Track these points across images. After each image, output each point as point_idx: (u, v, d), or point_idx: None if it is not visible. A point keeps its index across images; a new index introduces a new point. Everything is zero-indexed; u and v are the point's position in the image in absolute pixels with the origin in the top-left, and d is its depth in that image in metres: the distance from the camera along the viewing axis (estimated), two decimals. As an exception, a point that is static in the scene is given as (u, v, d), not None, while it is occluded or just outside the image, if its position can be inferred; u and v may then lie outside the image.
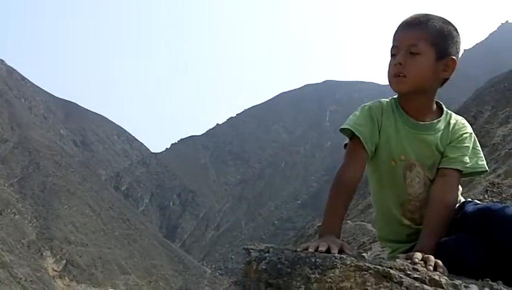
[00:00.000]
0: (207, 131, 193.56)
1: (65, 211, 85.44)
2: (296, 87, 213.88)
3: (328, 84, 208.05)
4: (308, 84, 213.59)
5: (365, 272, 2.15)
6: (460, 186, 2.96)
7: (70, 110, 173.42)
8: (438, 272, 2.31)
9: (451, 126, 2.95)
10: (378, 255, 12.68)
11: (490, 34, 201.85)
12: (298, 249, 2.42)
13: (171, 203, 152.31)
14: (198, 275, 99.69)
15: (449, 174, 2.87)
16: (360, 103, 3.09)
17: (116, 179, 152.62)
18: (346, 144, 2.98)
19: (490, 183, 11.84)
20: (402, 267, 2.25)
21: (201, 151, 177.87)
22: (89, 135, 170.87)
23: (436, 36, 2.85)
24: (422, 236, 2.73)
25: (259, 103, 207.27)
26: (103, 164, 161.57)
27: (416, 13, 2.98)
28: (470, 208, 2.75)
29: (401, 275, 2.17)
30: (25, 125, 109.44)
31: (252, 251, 2.38)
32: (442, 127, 2.93)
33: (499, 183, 11.34)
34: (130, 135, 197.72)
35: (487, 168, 2.99)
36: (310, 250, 2.40)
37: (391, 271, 2.17)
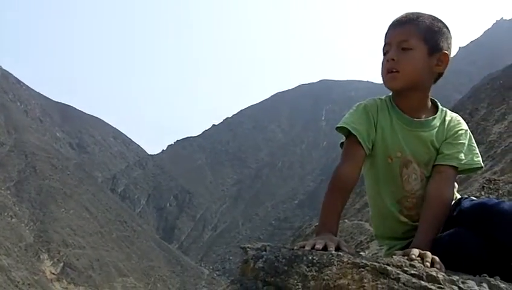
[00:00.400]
0: (203, 132, 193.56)
1: (62, 213, 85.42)
2: (292, 87, 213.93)
3: (323, 83, 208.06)
4: (303, 84, 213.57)
5: (362, 269, 2.15)
6: (456, 183, 2.96)
7: (66, 113, 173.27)
8: (435, 268, 2.31)
9: (446, 123, 2.95)
10: (375, 253, 12.68)
11: (485, 31, 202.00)
12: (295, 247, 2.42)
13: (168, 204, 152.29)
14: (196, 276, 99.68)
15: (445, 171, 2.87)
16: (355, 102, 3.09)
17: (113, 181, 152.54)
18: (342, 143, 2.98)
19: (487, 180, 11.84)
20: (399, 263, 2.25)
21: (197, 152, 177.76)
22: (85, 137, 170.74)
23: (426, 32, 2.87)
24: (418, 233, 2.73)
25: (255, 103, 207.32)
26: (99, 166, 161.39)
27: (406, 12, 2.99)
28: (466, 204, 2.75)
29: (398, 272, 2.17)
30: (21, 128, 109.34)
31: (249, 249, 2.38)
32: (438, 124, 2.94)
33: (495, 180, 11.36)
34: (126, 137, 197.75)
35: (483, 165, 3.00)
36: (307, 248, 2.40)
37: (388, 268, 2.17)
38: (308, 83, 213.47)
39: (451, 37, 2.94)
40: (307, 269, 2.18)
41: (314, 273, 2.16)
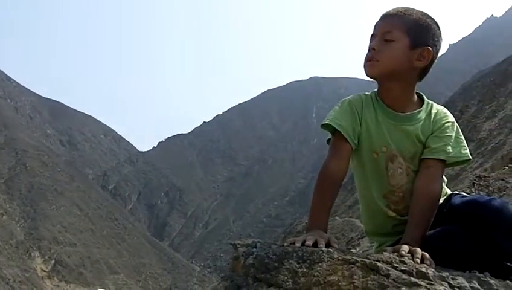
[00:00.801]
0: (194, 129, 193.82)
1: (53, 211, 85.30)
2: (282, 84, 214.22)
3: (314, 80, 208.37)
4: (294, 81, 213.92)
5: (352, 265, 2.16)
6: (444, 177, 2.96)
7: (56, 110, 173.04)
8: (425, 265, 2.31)
9: (432, 116, 2.94)
10: (366, 250, 12.70)
11: (475, 28, 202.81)
12: (285, 244, 2.42)
13: (159, 201, 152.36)
14: (187, 273, 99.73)
15: (432, 165, 2.87)
16: (346, 99, 3.10)
17: (104, 178, 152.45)
18: (329, 140, 2.99)
19: (477, 177, 11.86)
20: (389, 260, 2.25)
21: (188, 149, 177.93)
22: (75, 134, 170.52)
23: (411, 25, 2.86)
24: (408, 228, 2.73)
25: (246, 100, 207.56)
26: (90, 164, 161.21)
27: (397, 6, 3.00)
28: (456, 200, 2.76)
29: (388, 268, 2.17)
30: (11, 125, 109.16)
31: (239, 246, 2.38)
32: (423, 117, 2.93)
33: (485, 177, 11.37)
34: (117, 134, 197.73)
35: (471, 157, 2.99)
36: (297, 244, 2.40)
37: (378, 264, 2.17)
38: (299, 80, 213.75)
39: (439, 35, 2.93)
40: (297, 266, 2.18)
41: (305, 270, 2.16)
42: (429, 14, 2.97)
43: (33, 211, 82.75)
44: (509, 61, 40.18)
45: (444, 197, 2.88)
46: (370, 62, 2.88)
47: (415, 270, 2.20)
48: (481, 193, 9.66)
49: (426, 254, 2.42)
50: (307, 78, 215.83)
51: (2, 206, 79.79)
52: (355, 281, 2.09)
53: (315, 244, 2.40)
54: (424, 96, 3.01)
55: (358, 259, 2.19)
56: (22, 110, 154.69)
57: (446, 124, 2.93)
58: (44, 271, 73.85)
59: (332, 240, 2.48)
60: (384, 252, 2.39)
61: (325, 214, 2.77)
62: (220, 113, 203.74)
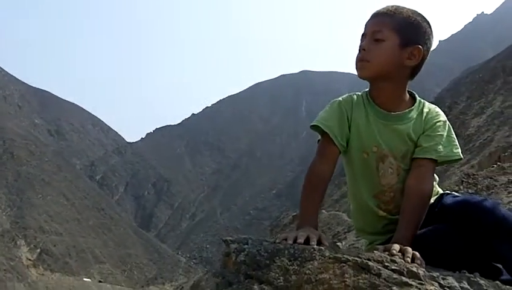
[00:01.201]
0: (182, 121, 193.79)
1: (39, 200, 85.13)
2: (272, 77, 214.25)
3: (304, 74, 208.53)
4: (284, 75, 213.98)
5: (344, 264, 2.16)
6: (436, 176, 2.97)
7: (44, 99, 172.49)
8: (415, 264, 2.32)
9: (424, 115, 2.94)
10: (352, 244, 12.72)
11: (465, 25, 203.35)
12: (277, 241, 2.42)
13: (146, 192, 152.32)
14: (173, 264, 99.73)
15: (423, 164, 2.86)
16: (336, 93, 3.10)
17: (91, 168, 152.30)
18: (319, 140, 2.99)
19: (465, 175, 11.89)
20: (380, 259, 2.25)
21: (176, 140, 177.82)
22: (63, 124, 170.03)
23: (401, 24, 2.86)
24: (399, 228, 2.73)
25: (235, 92, 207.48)
26: (78, 153, 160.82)
27: (387, 5, 2.99)
28: (448, 200, 2.76)
29: (379, 267, 2.17)
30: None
31: (230, 242, 2.38)
32: (415, 116, 2.92)
33: (474, 175, 11.40)
34: (105, 124, 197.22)
35: (462, 156, 3.00)
36: (289, 241, 2.40)
37: (369, 263, 2.18)
38: (289, 74, 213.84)
39: (430, 33, 2.92)
40: (289, 263, 2.19)
41: (296, 267, 2.16)
42: (420, 12, 2.96)
43: (19, 200, 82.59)
44: (498, 58, 40.30)
45: (436, 196, 2.88)
46: (361, 63, 2.88)
47: (405, 269, 2.21)
48: (469, 191, 9.68)
49: (417, 254, 2.42)
50: (297, 71, 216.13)
51: (-12, 195, 79.65)
52: (347, 279, 2.10)
53: (307, 241, 2.40)
54: (416, 95, 3.01)
55: (349, 258, 2.19)
56: (11, 99, 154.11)
57: (438, 123, 2.93)
58: (30, 260, 73.73)
59: (323, 238, 2.49)
60: (375, 251, 2.39)
61: (315, 211, 2.79)
62: (209, 105, 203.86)
